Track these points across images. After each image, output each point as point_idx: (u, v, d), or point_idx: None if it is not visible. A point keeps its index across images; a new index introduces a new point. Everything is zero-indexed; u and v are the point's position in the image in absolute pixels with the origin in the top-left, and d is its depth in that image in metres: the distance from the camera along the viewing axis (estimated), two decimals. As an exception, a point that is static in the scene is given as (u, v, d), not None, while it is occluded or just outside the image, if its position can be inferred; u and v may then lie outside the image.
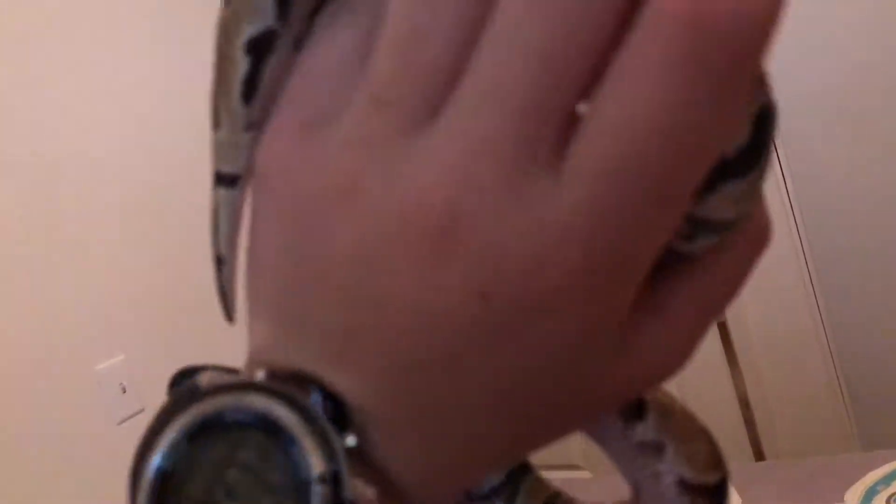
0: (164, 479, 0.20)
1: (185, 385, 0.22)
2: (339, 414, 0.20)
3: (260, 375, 0.21)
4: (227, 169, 0.22)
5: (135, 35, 1.65)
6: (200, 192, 1.59)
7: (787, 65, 1.47)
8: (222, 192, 0.22)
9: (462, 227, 0.17)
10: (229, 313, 0.24)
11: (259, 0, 0.19)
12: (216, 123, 0.21)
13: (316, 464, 0.19)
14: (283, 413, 0.20)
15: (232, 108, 0.20)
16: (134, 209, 1.55)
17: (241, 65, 0.20)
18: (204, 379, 0.21)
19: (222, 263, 0.23)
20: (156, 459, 0.20)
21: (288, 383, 0.20)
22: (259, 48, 0.19)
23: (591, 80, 0.16)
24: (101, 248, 1.48)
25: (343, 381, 0.20)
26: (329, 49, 0.19)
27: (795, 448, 1.63)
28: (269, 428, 0.20)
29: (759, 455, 1.72)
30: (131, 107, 1.60)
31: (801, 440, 1.59)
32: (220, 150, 0.21)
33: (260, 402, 0.20)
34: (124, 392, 1.45)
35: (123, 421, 1.44)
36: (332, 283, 0.20)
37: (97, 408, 1.41)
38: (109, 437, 1.42)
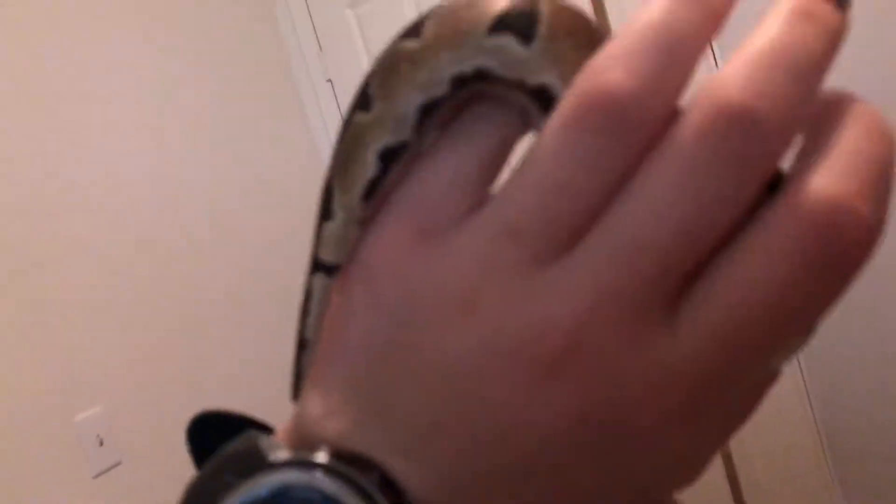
0: None
1: (241, 445, 0.23)
2: (398, 503, 0.21)
3: (322, 454, 0.22)
4: (330, 258, 0.23)
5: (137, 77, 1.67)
6: (177, 240, 1.59)
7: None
8: (320, 279, 0.23)
9: (576, 358, 0.19)
10: (297, 393, 0.24)
11: (404, 115, 0.21)
12: (327, 215, 0.22)
13: None
14: (351, 501, 0.21)
15: (350, 205, 0.22)
16: (113, 259, 1.55)
17: (371, 170, 0.21)
18: (263, 444, 0.23)
19: (305, 346, 0.24)
20: None
21: (353, 466, 0.21)
22: (390, 156, 0.21)
23: (715, 249, 0.18)
24: (80, 296, 1.47)
25: (412, 475, 0.21)
26: (450, 165, 0.21)
27: (776, 499, 1.62)
28: None
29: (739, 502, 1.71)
30: (115, 157, 1.61)
31: (782, 491, 1.59)
32: (327, 240, 0.22)
33: (329, 486, 0.21)
34: (101, 444, 1.42)
35: (99, 474, 1.41)
36: (427, 384, 0.21)
37: (74, 460, 1.39)
38: (85, 491, 1.39)
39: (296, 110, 2.15)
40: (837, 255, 0.17)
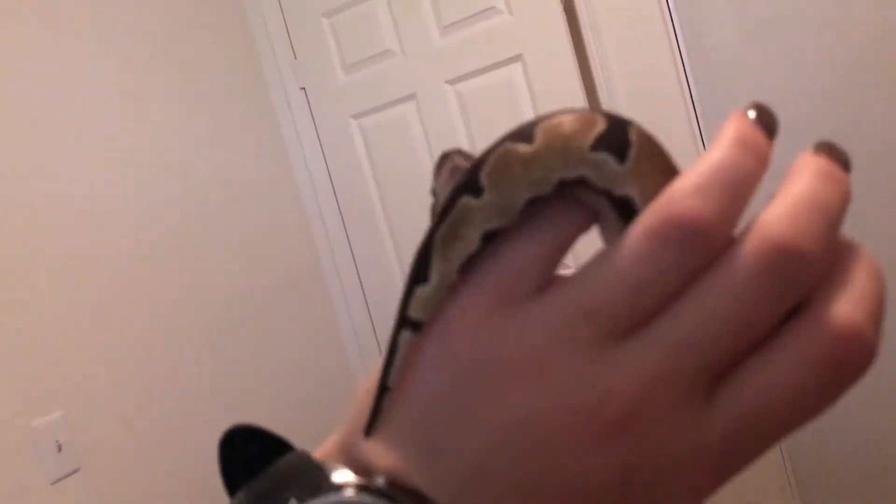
0: None
1: (297, 462, 0.27)
2: None
3: (380, 481, 0.25)
4: (419, 317, 0.26)
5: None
6: (141, 246, 1.57)
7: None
8: (407, 335, 0.26)
9: (630, 426, 0.23)
10: (371, 431, 0.27)
11: (512, 207, 0.25)
12: (423, 278, 0.25)
13: None
14: None
15: (447, 272, 0.25)
16: (76, 264, 1.53)
17: (473, 247, 0.25)
18: (325, 464, 0.26)
19: (386, 391, 0.27)
20: None
21: (407, 498, 0.25)
22: (490, 237, 0.25)
23: (753, 348, 0.23)
24: (40, 298, 1.44)
25: None
26: (532, 247, 0.26)
27: (735, 500, 1.64)
28: None
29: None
30: (71, 159, 1.59)
31: (741, 492, 1.61)
32: (418, 300, 0.26)
33: None
34: (60, 450, 1.39)
35: (57, 481, 1.38)
36: (481, 434, 0.25)
37: (30, 467, 1.36)
38: (42, 498, 1.36)
39: (268, 117, 2.14)
40: (849, 369, 0.22)
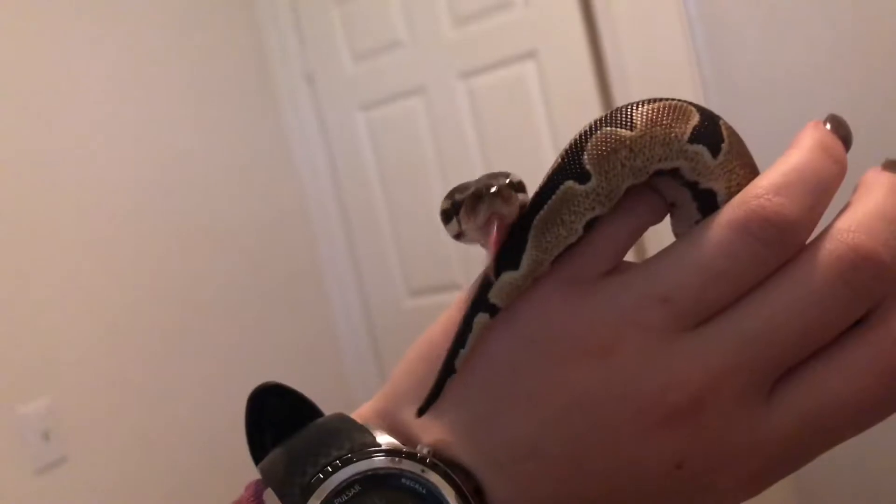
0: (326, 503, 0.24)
1: (339, 423, 0.27)
2: None
3: (424, 451, 0.25)
4: (499, 303, 0.25)
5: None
6: (133, 232, 1.53)
7: None
8: (483, 318, 0.25)
9: (692, 416, 0.23)
10: (424, 411, 0.27)
11: (615, 193, 0.24)
12: (513, 264, 0.25)
13: None
14: (453, 498, 0.24)
15: (541, 261, 0.25)
16: (66, 248, 1.48)
17: (575, 236, 0.25)
18: (375, 436, 0.26)
19: (450, 373, 0.26)
20: (333, 479, 0.24)
21: (452, 470, 0.25)
22: (590, 225, 0.25)
23: (818, 352, 0.24)
24: (29, 283, 1.40)
25: (500, 490, 0.25)
26: (609, 231, 0.25)
27: None
28: (431, 502, 0.24)
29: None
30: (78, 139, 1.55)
31: None
32: (502, 286, 0.25)
33: (437, 481, 0.25)
34: (46, 438, 1.35)
35: (43, 470, 1.34)
36: (539, 411, 0.24)
37: (15, 454, 1.31)
38: (26, 488, 1.31)
39: (272, 106, 2.10)
40: None
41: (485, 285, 0.25)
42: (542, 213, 0.25)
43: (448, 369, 0.26)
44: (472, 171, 1.87)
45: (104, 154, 1.59)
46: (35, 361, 1.37)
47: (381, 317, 2.12)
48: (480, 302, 0.25)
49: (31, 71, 1.47)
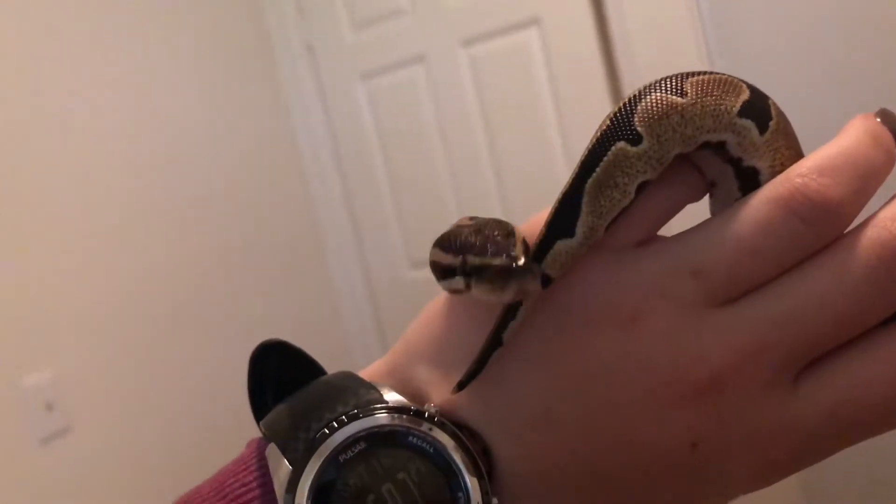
0: (332, 459, 0.24)
1: (346, 381, 0.26)
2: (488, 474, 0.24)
3: (432, 410, 0.25)
4: (553, 273, 0.24)
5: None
6: (136, 203, 1.51)
7: None
8: (536, 287, 0.24)
9: (713, 394, 0.22)
10: (464, 385, 0.25)
11: (665, 159, 0.24)
12: (567, 232, 0.24)
13: None
14: (460, 457, 0.24)
15: (596, 227, 0.24)
16: (70, 218, 1.47)
17: (628, 199, 0.24)
18: (382, 393, 0.25)
19: (497, 345, 0.25)
20: (338, 435, 0.24)
21: (461, 430, 0.24)
22: (640, 190, 0.24)
23: (850, 343, 0.23)
24: (32, 254, 1.39)
25: (509, 455, 0.24)
26: (648, 203, 0.25)
27: (738, 499, 1.62)
28: (438, 462, 0.24)
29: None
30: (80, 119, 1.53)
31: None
32: (558, 256, 0.24)
33: (445, 440, 0.24)
34: (50, 409, 1.36)
35: (47, 441, 1.35)
36: (558, 377, 0.24)
37: (19, 425, 1.32)
38: (30, 458, 1.32)
39: (271, 76, 2.07)
40: None
41: (538, 255, 0.24)
42: (594, 175, 0.24)
43: (495, 342, 0.25)
44: (474, 141, 1.85)
45: (103, 127, 1.57)
46: (38, 333, 1.37)
47: (382, 289, 2.11)
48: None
49: (23, 43, 1.45)
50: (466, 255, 0.25)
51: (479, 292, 0.24)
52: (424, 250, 1.84)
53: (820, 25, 1.52)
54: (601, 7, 1.69)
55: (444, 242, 0.27)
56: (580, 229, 0.24)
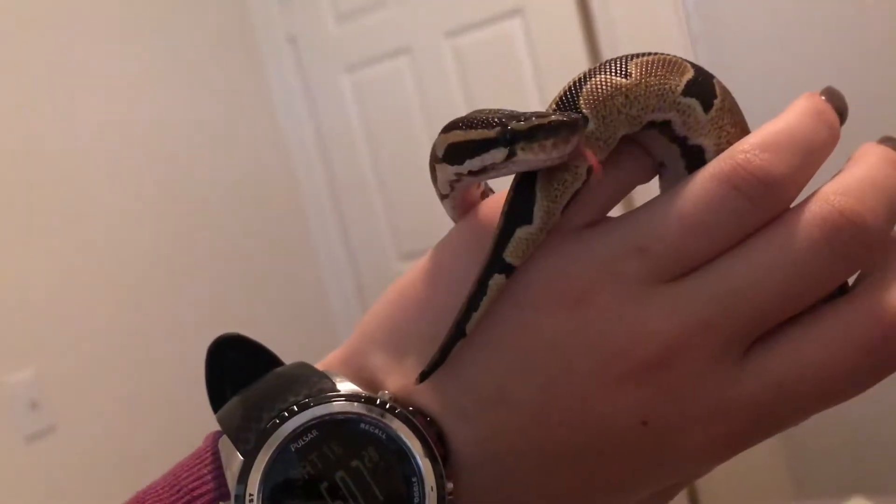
0: (283, 449, 0.24)
1: (299, 370, 0.26)
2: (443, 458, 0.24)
3: (385, 395, 0.25)
4: (514, 261, 0.24)
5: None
6: (120, 200, 1.50)
7: None
8: (500, 279, 0.24)
9: (661, 370, 0.23)
10: (426, 377, 0.25)
11: (612, 140, 0.24)
12: (525, 219, 0.24)
13: (430, 501, 0.23)
14: (416, 445, 0.24)
15: (553, 211, 0.24)
16: (53, 215, 1.46)
17: (580, 181, 0.24)
18: (335, 382, 0.26)
19: (461, 336, 0.25)
20: (289, 424, 0.24)
21: (415, 416, 0.24)
22: (590, 172, 0.24)
23: (795, 318, 0.23)
24: (15, 250, 1.38)
25: (462, 437, 0.24)
26: (594, 186, 0.25)
27: (732, 495, 1.63)
28: (391, 448, 0.24)
29: (694, 501, 1.72)
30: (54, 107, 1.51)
31: (738, 487, 1.60)
32: (519, 243, 0.24)
33: (399, 427, 0.24)
34: (34, 407, 1.34)
35: (32, 439, 1.33)
36: (507, 356, 0.24)
37: (3, 423, 1.31)
38: (15, 456, 1.31)
39: (255, 69, 2.05)
40: (893, 355, 0.22)
41: (499, 244, 0.24)
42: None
43: (458, 332, 0.25)
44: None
45: (85, 120, 1.55)
46: (21, 330, 1.36)
47: (370, 281, 2.11)
48: (495, 262, 0.24)
49: (6, 34, 1.43)
50: (508, 122, 0.24)
51: (530, 156, 0.23)
52: (412, 242, 1.83)
53: (801, 13, 1.52)
54: (585, -4, 1.69)
55: (469, 121, 0.26)
56: (537, 214, 0.24)
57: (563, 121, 0.23)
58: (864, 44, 1.46)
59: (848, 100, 0.26)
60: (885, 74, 1.44)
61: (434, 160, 0.28)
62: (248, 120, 1.99)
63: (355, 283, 2.13)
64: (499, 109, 0.26)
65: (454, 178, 0.27)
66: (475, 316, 0.24)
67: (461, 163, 0.26)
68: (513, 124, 0.24)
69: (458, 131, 0.27)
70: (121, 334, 1.53)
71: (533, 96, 1.78)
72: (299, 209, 2.10)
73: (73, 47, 1.56)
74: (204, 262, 1.76)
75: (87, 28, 1.60)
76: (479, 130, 0.26)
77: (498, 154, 0.24)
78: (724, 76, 0.28)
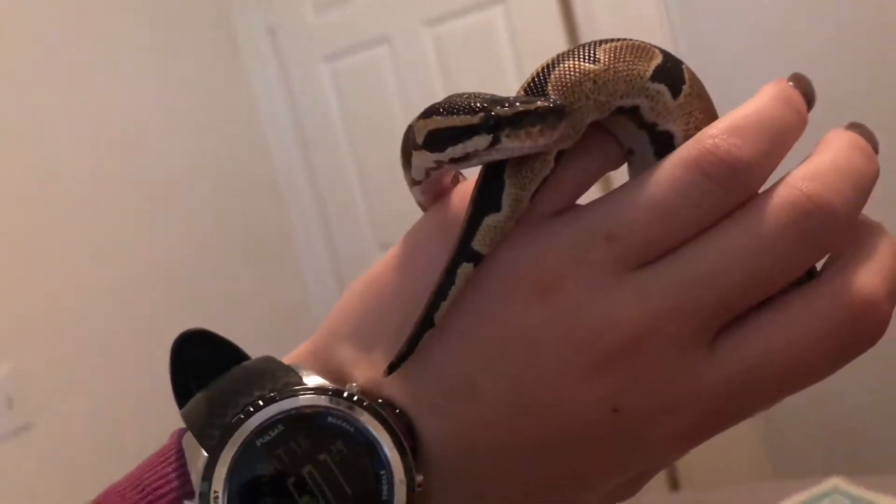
0: (248, 444, 0.23)
1: (265, 365, 0.26)
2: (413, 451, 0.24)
3: (353, 388, 0.24)
4: (483, 250, 0.24)
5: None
6: (98, 193, 1.47)
7: None
8: (468, 268, 0.24)
9: (630, 357, 0.22)
10: (395, 368, 0.25)
11: (581, 127, 0.24)
12: (495, 207, 0.24)
13: (399, 493, 0.23)
14: (384, 438, 0.23)
15: (521, 199, 0.24)
16: (30, 209, 1.43)
17: (549, 168, 0.24)
18: (301, 375, 0.25)
19: (429, 326, 0.24)
20: (255, 419, 0.24)
21: (382, 409, 0.24)
22: (558, 158, 0.24)
23: (764, 303, 0.23)
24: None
25: (432, 430, 0.24)
26: (564, 172, 0.25)
27: (710, 477, 1.64)
28: (360, 441, 0.24)
29: (674, 484, 1.73)
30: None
31: (716, 469, 1.61)
32: (488, 231, 0.24)
33: (367, 420, 0.24)
34: (10, 405, 1.32)
35: (7, 437, 1.31)
36: (475, 345, 0.24)
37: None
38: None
39: (232, 59, 2.03)
40: (861, 338, 0.23)
41: (467, 232, 0.24)
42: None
43: (427, 323, 0.24)
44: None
45: (63, 115, 1.52)
46: (-4, 326, 1.33)
47: (351, 270, 2.09)
48: (463, 250, 0.24)
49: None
50: (492, 108, 0.24)
51: (515, 143, 0.23)
52: (393, 233, 1.81)
53: (781, 3, 1.53)
54: (565, -16, 1.68)
55: (450, 106, 0.25)
56: (505, 201, 0.24)
57: (549, 106, 0.23)
58: (843, 33, 1.47)
59: (830, 89, 0.26)
60: (861, 63, 1.45)
61: (411, 146, 0.27)
62: (227, 110, 1.97)
63: (336, 274, 2.12)
64: (479, 93, 0.26)
65: (433, 165, 0.26)
66: (443, 305, 0.24)
67: (442, 150, 0.25)
68: (497, 110, 0.24)
69: (438, 117, 0.26)
70: (98, 330, 1.51)
71: (514, 86, 1.73)
72: (279, 199, 2.08)
73: (45, 37, 1.52)
74: (182, 255, 1.73)
75: (61, 18, 1.56)
76: (462, 116, 0.25)
77: (481, 141, 0.24)
78: (704, 65, 0.28)
